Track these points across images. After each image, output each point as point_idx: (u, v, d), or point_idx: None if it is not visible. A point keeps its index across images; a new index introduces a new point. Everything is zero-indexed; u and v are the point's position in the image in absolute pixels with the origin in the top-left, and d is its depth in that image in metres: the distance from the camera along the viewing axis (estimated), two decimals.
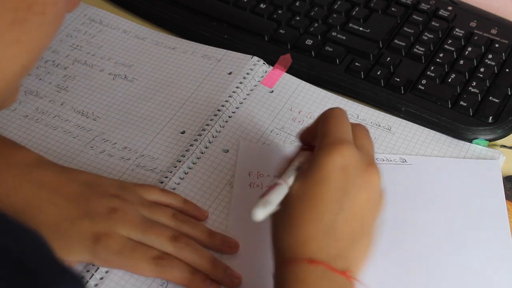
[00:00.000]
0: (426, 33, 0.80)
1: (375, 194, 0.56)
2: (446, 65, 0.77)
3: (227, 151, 0.71)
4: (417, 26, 0.81)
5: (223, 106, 0.74)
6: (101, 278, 0.61)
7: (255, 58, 0.78)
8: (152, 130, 0.73)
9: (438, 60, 0.78)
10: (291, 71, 0.78)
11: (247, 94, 0.76)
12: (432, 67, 0.77)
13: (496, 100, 0.74)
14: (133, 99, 0.76)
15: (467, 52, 0.79)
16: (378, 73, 0.77)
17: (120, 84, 0.78)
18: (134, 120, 0.74)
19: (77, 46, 0.82)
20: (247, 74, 0.77)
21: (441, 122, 0.73)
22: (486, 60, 0.78)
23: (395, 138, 0.73)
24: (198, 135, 0.72)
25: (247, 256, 0.63)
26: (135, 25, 0.84)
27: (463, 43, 0.80)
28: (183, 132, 0.73)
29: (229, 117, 0.74)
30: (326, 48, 0.79)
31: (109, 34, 0.83)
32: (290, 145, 0.72)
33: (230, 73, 0.77)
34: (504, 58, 0.79)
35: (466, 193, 0.68)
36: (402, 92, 0.76)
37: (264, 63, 0.78)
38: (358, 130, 0.59)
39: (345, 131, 0.57)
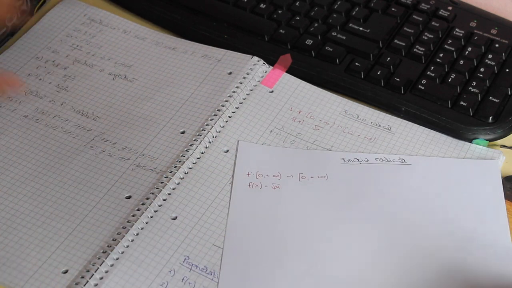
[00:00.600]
0: (426, 33, 0.80)
1: None
2: (446, 65, 0.77)
3: (227, 151, 0.71)
4: (417, 26, 0.81)
5: (223, 106, 0.74)
6: (101, 278, 0.61)
7: (255, 58, 0.78)
8: (152, 130, 0.73)
9: (438, 60, 0.78)
10: (291, 71, 0.78)
11: (247, 94, 0.76)
12: (432, 67, 0.77)
13: (496, 100, 0.74)
14: (133, 99, 0.76)
15: (467, 52, 0.79)
16: (378, 73, 0.77)
17: (120, 84, 0.78)
18: (134, 120, 0.74)
19: (77, 46, 0.82)
20: (247, 74, 0.77)
21: (441, 122, 0.73)
22: (486, 60, 0.78)
23: (395, 138, 0.73)
24: (198, 135, 0.72)
25: (246, 256, 0.63)
26: (135, 25, 0.84)
27: (463, 43, 0.80)
28: (183, 132, 0.73)
29: (229, 117, 0.74)
30: (326, 48, 0.79)
31: (109, 34, 0.83)
32: (290, 145, 0.72)
33: (230, 73, 0.77)
34: (504, 58, 0.79)
35: (465, 193, 0.68)
36: (402, 92, 0.76)
37: (264, 63, 0.78)
38: None
39: None
